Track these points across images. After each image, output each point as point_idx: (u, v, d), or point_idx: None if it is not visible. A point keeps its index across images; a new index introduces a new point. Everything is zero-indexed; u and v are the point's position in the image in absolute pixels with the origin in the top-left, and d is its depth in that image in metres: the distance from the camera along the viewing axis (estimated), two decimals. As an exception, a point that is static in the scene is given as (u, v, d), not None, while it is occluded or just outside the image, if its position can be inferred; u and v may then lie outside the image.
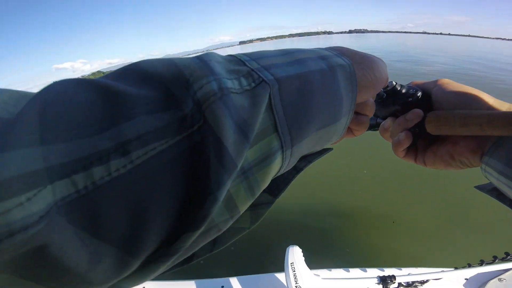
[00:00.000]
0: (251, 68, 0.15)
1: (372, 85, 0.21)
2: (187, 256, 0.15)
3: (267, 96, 0.14)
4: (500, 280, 0.84)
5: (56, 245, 0.09)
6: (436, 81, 0.29)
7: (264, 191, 0.19)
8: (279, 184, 0.20)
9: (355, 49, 0.22)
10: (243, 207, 0.15)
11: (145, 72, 0.13)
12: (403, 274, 0.82)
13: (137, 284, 0.13)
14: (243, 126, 0.13)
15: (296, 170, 0.21)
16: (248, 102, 0.13)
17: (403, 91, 0.28)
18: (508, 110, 0.25)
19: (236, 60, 0.15)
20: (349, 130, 0.24)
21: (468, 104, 0.26)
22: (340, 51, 0.20)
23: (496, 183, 0.24)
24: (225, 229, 0.15)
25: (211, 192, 0.12)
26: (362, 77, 0.20)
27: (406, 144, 0.28)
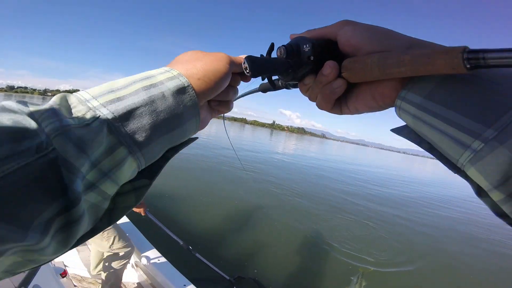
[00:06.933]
0: (89, 107, 0.21)
1: (211, 85, 0.27)
2: (91, 228, 0.23)
3: (105, 125, 0.21)
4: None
5: None
6: (338, 25, 0.28)
7: (143, 176, 0.26)
8: (154, 170, 0.27)
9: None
10: (111, 191, 0.23)
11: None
12: None
13: (58, 254, 0.21)
14: (82, 146, 0.19)
15: (165, 158, 0.27)
16: (86, 132, 0.19)
17: (293, 55, 0.28)
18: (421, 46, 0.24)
19: (79, 100, 0.21)
20: (216, 110, 0.32)
21: (385, 47, 0.25)
22: (182, 66, 0.27)
23: (412, 122, 0.24)
24: (105, 206, 0.23)
25: (67, 186, 0.18)
26: (201, 85, 0.26)
27: (340, 92, 0.28)
